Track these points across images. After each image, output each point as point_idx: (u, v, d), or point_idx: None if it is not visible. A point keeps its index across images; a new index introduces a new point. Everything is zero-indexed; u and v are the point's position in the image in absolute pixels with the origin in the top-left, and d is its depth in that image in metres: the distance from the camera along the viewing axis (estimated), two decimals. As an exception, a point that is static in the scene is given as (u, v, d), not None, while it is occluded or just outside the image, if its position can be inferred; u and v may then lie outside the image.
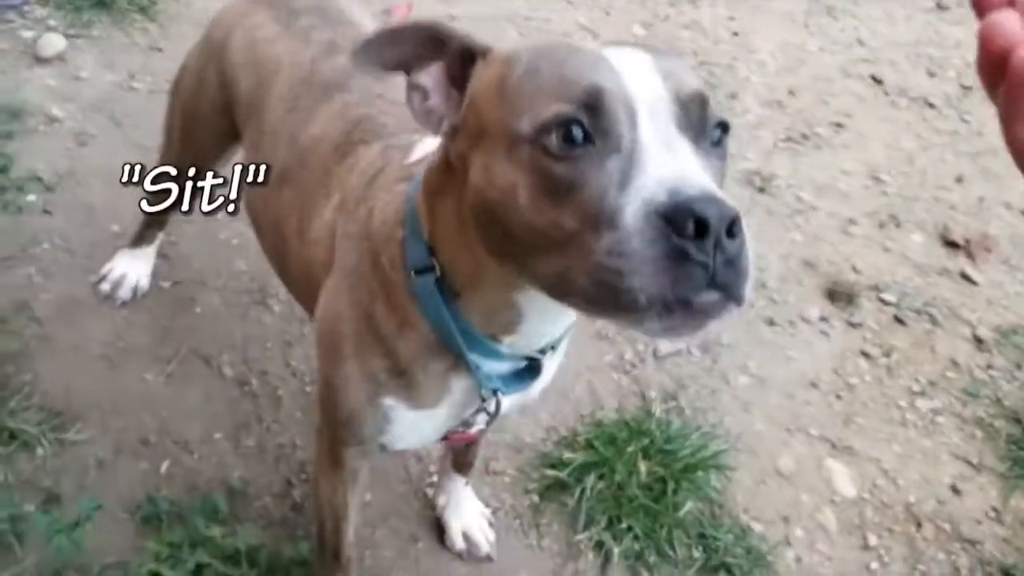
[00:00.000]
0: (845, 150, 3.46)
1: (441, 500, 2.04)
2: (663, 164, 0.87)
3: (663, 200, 0.83)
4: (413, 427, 1.35)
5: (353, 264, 1.35)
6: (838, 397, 2.57)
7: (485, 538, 2.02)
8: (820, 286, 2.87)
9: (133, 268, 2.35)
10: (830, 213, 3.15)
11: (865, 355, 2.69)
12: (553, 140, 0.90)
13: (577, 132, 0.90)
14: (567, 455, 2.19)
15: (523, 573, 2.01)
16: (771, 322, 2.72)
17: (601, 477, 2.15)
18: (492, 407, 1.29)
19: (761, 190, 3.16)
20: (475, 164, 1.01)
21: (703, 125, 0.94)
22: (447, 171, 1.10)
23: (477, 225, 1.03)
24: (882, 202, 3.26)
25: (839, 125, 3.57)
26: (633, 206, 0.85)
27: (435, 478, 2.09)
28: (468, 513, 2.04)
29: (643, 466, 2.16)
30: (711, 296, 0.84)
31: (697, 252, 0.82)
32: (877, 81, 3.86)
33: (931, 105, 3.81)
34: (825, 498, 2.32)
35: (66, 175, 2.60)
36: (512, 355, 1.24)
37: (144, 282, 2.36)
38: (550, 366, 1.36)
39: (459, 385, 1.28)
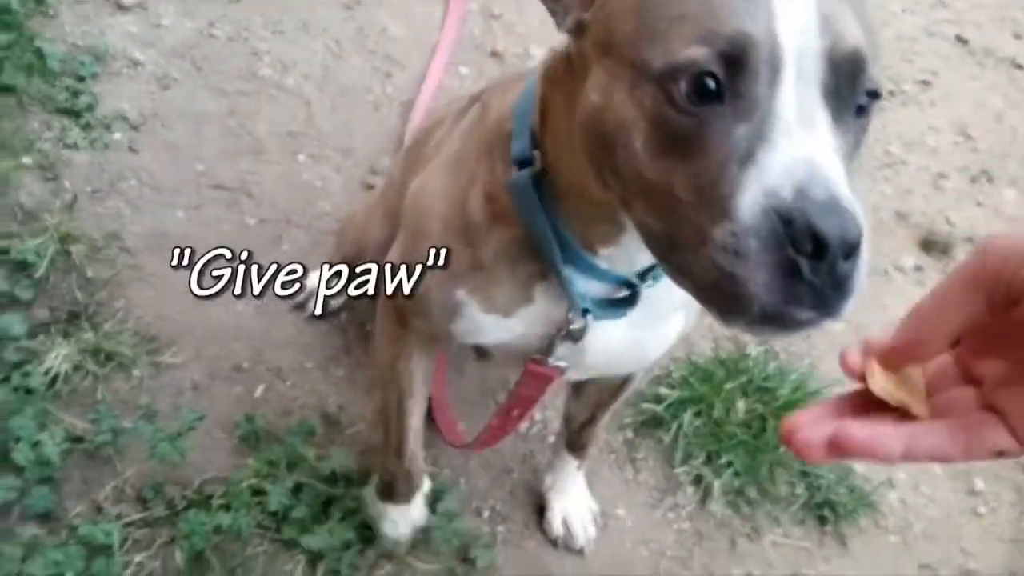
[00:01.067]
0: (932, 107, 3.36)
1: (548, 480, 1.95)
2: (795, 146, 0.77)
3: (786, 199, 0.75)
4: (481, 329, 1.26)
5: (457, 150, 1.30)
6: (936, 344, 2.48)
7: (584, 531, 1.91)
8: (913, 237, 2.79)
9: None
10: (920, 168, 3.06)
11: (962, 304, 2.60)
12: (682, 87, 0.80)
13: (710, 85, 0.79)
14: (663, 391, 2.13)
15: (620, 506, 1.96)
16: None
17: (698, 414, 2.09)
18: (579, 327, 1.18)
19: (847, 143, 3.08)
20: (595, 77, 0.92)
21: (853, 91, 0.82)
22: (568, 66, 1.02)
23: (586, 145, 0.95)
24: (972, 158, 3.16)
25: (925, 83, 3.47)
26: (752, 193, 0.77)
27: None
28: (574, 500, 1.93)
29: (741, 403, 2.10)
30: (809, 314, 0.78)
31: (809, 272, 0.75)
32: (962, 41, 3.74)
33: (1018, 66, 3.68)
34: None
35: (150, 116, 2.59)
36: (608, 273, 1.14)
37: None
38: (667, 317, 1.27)
39: (543, 298, 1.19)
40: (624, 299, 1.18)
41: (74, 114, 2.50)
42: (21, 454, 1.72)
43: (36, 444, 1.74)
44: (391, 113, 2.82)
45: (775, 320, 0.79)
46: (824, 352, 2.37)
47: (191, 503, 1.74)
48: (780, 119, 0.78)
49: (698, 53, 0.79)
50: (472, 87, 2.96)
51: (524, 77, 1.21)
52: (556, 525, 1.91)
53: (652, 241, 0.90)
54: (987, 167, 3.11)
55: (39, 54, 2.58)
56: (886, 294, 2.59)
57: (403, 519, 1.75)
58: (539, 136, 1.10)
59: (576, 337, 1.19)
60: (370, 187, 2.56)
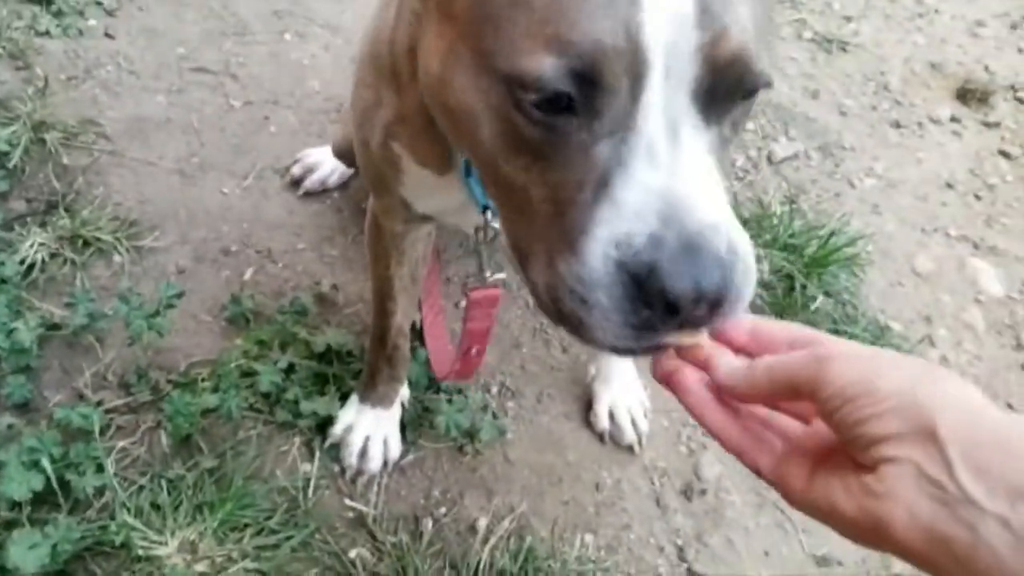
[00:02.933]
0: (967, -46, 3.12)
1: (592, 369, 1.79)
2: (655, 172, 0.67)
3: (638, 250, 0.66)
4: (423, 185, 1.17)
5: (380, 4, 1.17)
6: (977, 197, 2.30)
7: (633, 424, 1.73)
8: (949, 87, 2.59)
9: (331, 160, 2.07)
10: (955, 15, 2.84)
11: (1004, 154, 2.42)
12: (529, 97, 0.69)
13: (561, 101, 0.68)
14: (680, 253, 1.98)
15: (643, 377, 1.82)
16: (897, 124, 2.45)
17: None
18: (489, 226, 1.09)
19: (876, -6, 2.86)
20: (434, 40, 0.79)
21: (735, 92, 0.71)
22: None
23: (434, 111, 0.84)
24: (1012, 3, 2.93)
25: (958, -70, 3.22)
26: (603, 240, 0.68)
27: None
28: (619, 390, 1.75)
29: (766, 262, 1.95)
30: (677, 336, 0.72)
31: (661, 325, 0.69)
32: None
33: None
34: (970, 298, 2.08)
35: (126, 1, 2.44)
36: None
37: (335, 179, 2.08)
38: None
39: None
40: None
41: (45, 1, 2.36)
42: (-5, 342, 1.62)
43: (11, 332, 1.63)
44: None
45: (628, 351, 0.74)
46: (853, 209, 2.21)
47: (176, 386, 1.64)
48: (642, 136, 0.67)
49: (546, 67, 0.66)
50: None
51: None
52: (602, 419, 1.74)
53: (507, 235, 0.81)
54: (1029, 12, 2.88)
55: (4, -60, 2.43)
56: (921, 147, 2.41)
57: (377, 436, 1.63)
58: None
59: (494, 236, 1.09)
60: (363, 64, 2.40)
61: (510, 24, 0.69)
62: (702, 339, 0.74)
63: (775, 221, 2.04)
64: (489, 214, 1.07)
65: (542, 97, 0.68)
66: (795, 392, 0.68)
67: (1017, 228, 2.24)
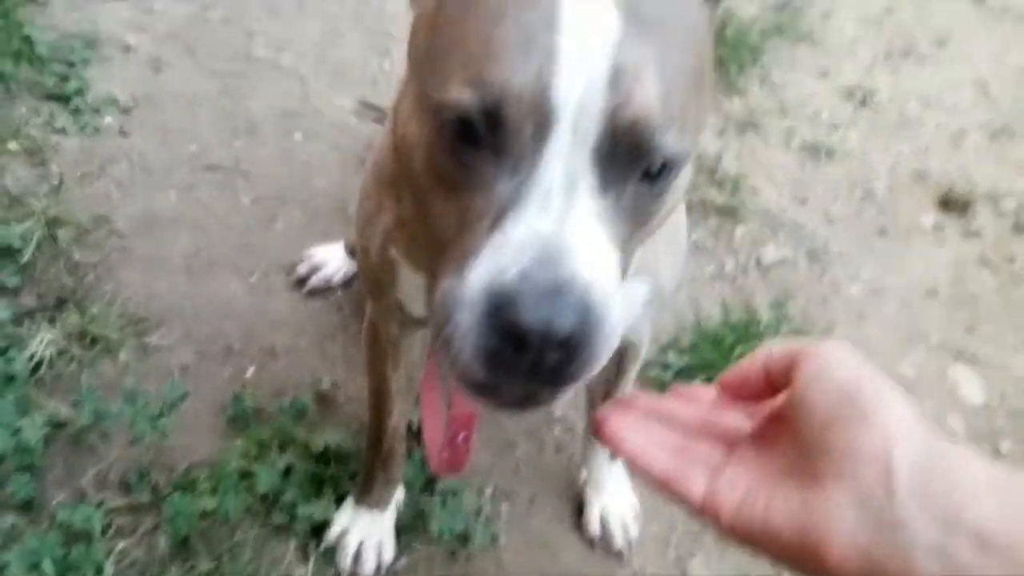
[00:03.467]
0: (949, 65, 3.24)
1: (583, 473, 1.84)
2: (542, 217, 0.72)
3: (509, 281, 0.70)
4: (418, 289, 1.20)
5: (396, 102, 1.25)
6: (959, 306, 2.37)
7: (623, 531, 1.77)
8: (932, 196, 2.67)
9: (336, 259, 2.16)
10: (938, 125, 2.94)
11: (985, 263, 2.49)
12: (447, 127, 0.76)
13: (472, 131, 0.74)
14: (671, 358, 2.04)
15: (632, 481, 1.87)
16: (882, 232, 2.53)
17: (708, 380, 1.99)
18: None
19: (863, 104, 2.97)
20: (405, 86, 0.87)
21: (638, 159, 0.75)
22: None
23: (394, 157, 0.91)
24: (992, 114, 3.04)
25: (941, 42, 3.34)
26: (483, 265, 0.73)
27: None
28: (610, 497, 1.80)
29: (753, 369, 2.00)
30: (514, 395, 0.78)
31: (510, 360, 0.72)
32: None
33: (1038, 21, 3.56)
34: (951, 405, 2.14)
35: (142, 99, 2.54)
36: None
37: (339, 278, 2.16)
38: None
39: None
40: None
41: (63, 99, 2.46)
42: (1, 441, 1.67)
43: (17, 431, 1.68)
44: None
45: (483, 393, 0.78)
46: (839, 314, 2.27)
47: (176, 487, 1.68)
48: (539, 183, 0.73)
49: (463, 98, 0.73)
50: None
51: None
52: (593, 526, 1.78)
53: (425, 266, 0.88)
54: (1008, 122, 2.99)
55: (28, 41, 2.54)
56: (906, 255, 2.48)
57: (372, 540, 1.67)
58: None
59: None
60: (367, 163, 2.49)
61: (447, 63, 0.76)
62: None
63: (761, 327, 2.10)
64: None
65: (455, 125, 0.74)
66: (786, 370, 0.72)
67: (997, 337, 2.31)
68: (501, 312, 0.70)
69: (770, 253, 2.39)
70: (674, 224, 1.31)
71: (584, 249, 0.72)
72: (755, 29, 3.14)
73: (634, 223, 0.80)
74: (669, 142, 0.75)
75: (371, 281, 1.34)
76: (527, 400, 0.78)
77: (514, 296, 0.70)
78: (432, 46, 0.80)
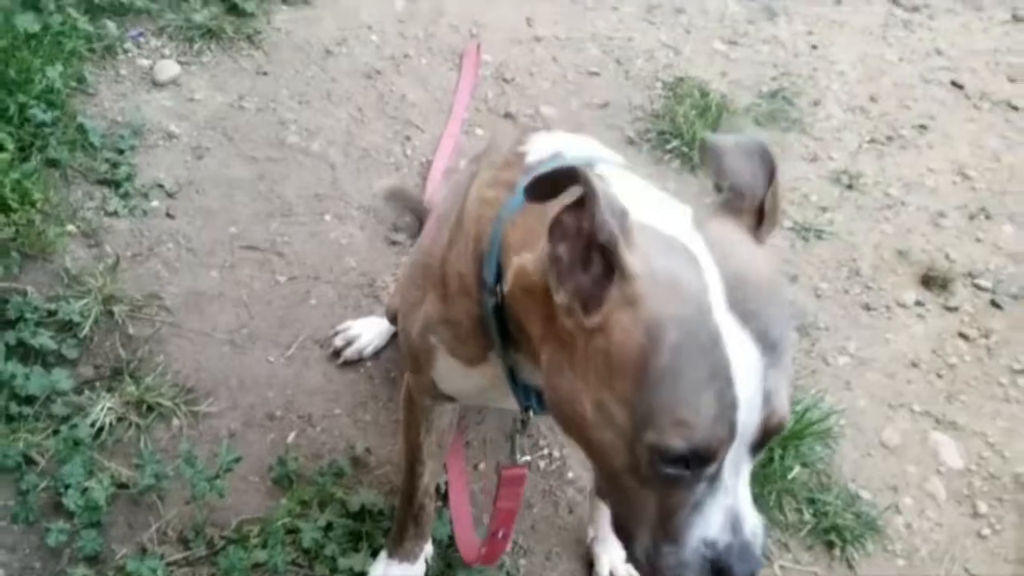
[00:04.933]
0: (930, 150, 3.48)
1: (591, 532, 2.04)
2: (727, 500, 1.04)
3: (718, 549, 1.04)
4: (454, 374, 1.47)
5: (446, 211, 1.49)
6: (939, 376, 2.57)
7: None
8: (914, 273, 2.89)
9: (368, 333, 2.38)
10: (920, 207, 3.17)
11: (964, 337, 2.70)
12: (657, 460, 1.01)
13: (679, 463, 1.01)
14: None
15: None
16: (867, 307, 2.74)
17: (708, 446, 2.18)
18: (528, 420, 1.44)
19: (849, 187, 3.20)
20: (589, 381, 1.06)
21: (770, 441, 1.07)
22: (545, 291, 1.11)
23: (558, 406, 1.15)
24: (971, 196, 3.27)
25: (923, 127, 3.59)
26: (697, 537, 1.05)
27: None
28: (617, 551, 1.98)
29: (749, 435, 2.19)
30: None
31: None
32: (958, 86, 3.87)
33: (1014, 108, 3.80)
34: (932, 469, 2.33)
35: (185, 184, 2.77)
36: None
37: (370, 350, 2.37)
38: None
39: (495, 362, 1.36)
40: None
41: (114, 184, 2.68)
42: (71, 500, 1.86)
43: (85, 491, 1.87)
44: (411, 173, 2.98)
45: None
46: (826, 384, 2.47)
47: (229, 542, 1.86)
48: (723, 476, 1.03)
49: (679, 444, 0.99)
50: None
51: (508, 182, 1.31)
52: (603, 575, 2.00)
53: (611, 510, 1.17)
54: (985, 205, 3.22)
55: (81, 130, 2.77)
56: (889, 328, 2.69)
57: None
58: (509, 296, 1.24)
59: (524, 420, 1.45)
60: (393, 243, 2.71)
61: (656, 416, 0.99)
62: None
63: (758, 397, 2.29)
64: (530, 412, 1.39)
65: (664, 459, 1.01)
66: None
67: (975, 405, 2.50)
68: (718, 565, 1.04)
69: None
70: None
71: (749, 508, 1.06)
72: (748, 117, 3.39)
73: None
74: (787, 424, 1.08)
75: (409, 355, 1.55)
76: None
77: (729, 555, 1.04)
78: (644, 399, 1.00)
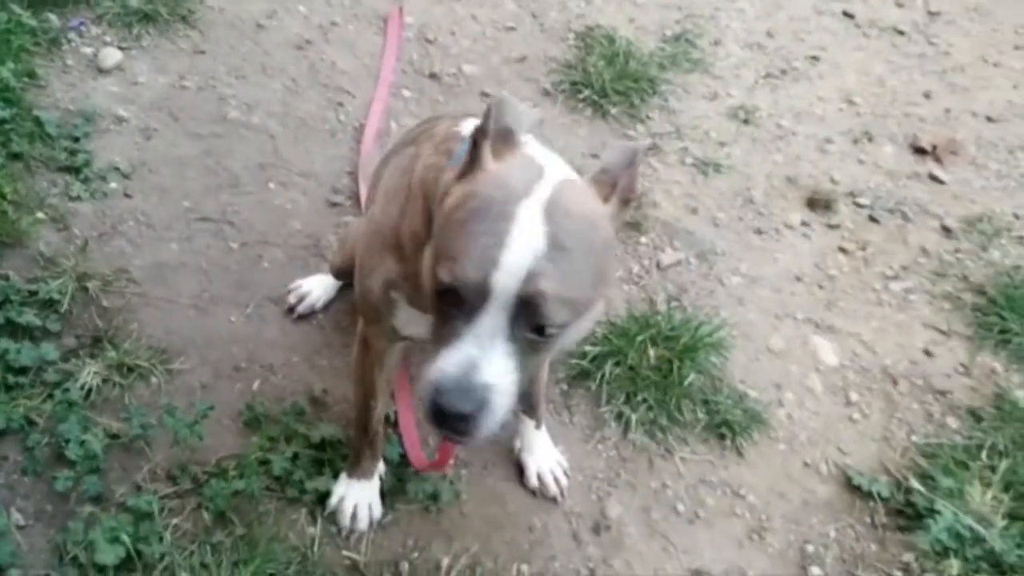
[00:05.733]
0: (821, 80, 3.82)
1: (518, 443, 2.38)
2: (465, 348, 1.31)
3: (445, 378, 1.32)
4: (412, 320, 1.78)
5: (395, 187, 1.79)
6: (820, 287, 2.95)
7: (555, 481, 2.32)
8: (801, 197, 3.25)
9: (317, 289, 2.69)
10: (808, 135, 3.52)
11: (843, 251, 3.07)
12: (439, 288, 1.33)
13: (448, 295, 1.32)
14: (588, 348, 2.59)
15: (559, 443, 2.41)
16: (759, 231, 3.10)
17: (617, 364, 2.55)
18: None
19: (745, 121, 3.53)
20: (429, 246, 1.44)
21: (533, 320, 1.31)
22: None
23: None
24: (855, 122, 3.62)
25: (815, 59, 3.92)
26: (437, 365, 1.33)
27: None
28: (542, 456, 2.34)
29: (652, 351, 2.56)
30: (450, 438, 1.45)
31: (442, 417, 1.35)
32: (849, 16, 4.20)
33: (900, 32, 4.15)
34: (811, 367, 2.71)
35: (139, 164, 3.03)
36: None
37: (320, 304, 2.68)
38: None
39: None
40: None
41: (74, 171, 2.94)
42: (72, 451, 2.17)
43: (83, 443, 2.19)
44: (346, 138, 3.27)
45: (438, 430, 1.41)
46: (721, 302, 2.84)
47: (211, 475, 2.20)
48: (475, 326, 1.31)
49: (447, 278, 1.31)
50: (415, 107, 3.42)
51: (447, 150, 1.65)
52: (532, 480, 2.34)
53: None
54: (868, 128, 3.58)
55: (38, 122, 3.02)
56: (778, 249, 3.06)
57: (363, 503, 2.19)
58: None
59: None
60: (333, 205, 3.00)
61: (442, 255, 1.34)
62: None
63: (659, 318, 2.65)
64: None
65: (440, 288, 1.32)
66: None
67: (851, 310, 2.88)
68: (433, 397, 1.33)
69: (668, 256, 2.95)
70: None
71: (491, 368, 1.31)
72: (654, 62, 3.70)
73: (536, 352, 1.38)
74: (555, 319, 1.31)
75: (370, 311, 1.87)
76: (457, 441, 1.46)
77: (443, 390, 1.32)
78: (440, 237, 1.38)
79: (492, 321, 1.30)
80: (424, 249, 1.49)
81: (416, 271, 1.62)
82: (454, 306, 1.32)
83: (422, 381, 1.36)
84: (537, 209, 1.30)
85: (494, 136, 1.39)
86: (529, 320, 1.31)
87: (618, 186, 1.43)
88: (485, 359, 1.31)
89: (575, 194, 1.37)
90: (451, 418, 1.33)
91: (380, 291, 1.77)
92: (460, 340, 1.32)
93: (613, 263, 1.45)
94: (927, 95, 3.81)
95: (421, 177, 1.65)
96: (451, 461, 2.27)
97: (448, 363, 1.33)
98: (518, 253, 1.27)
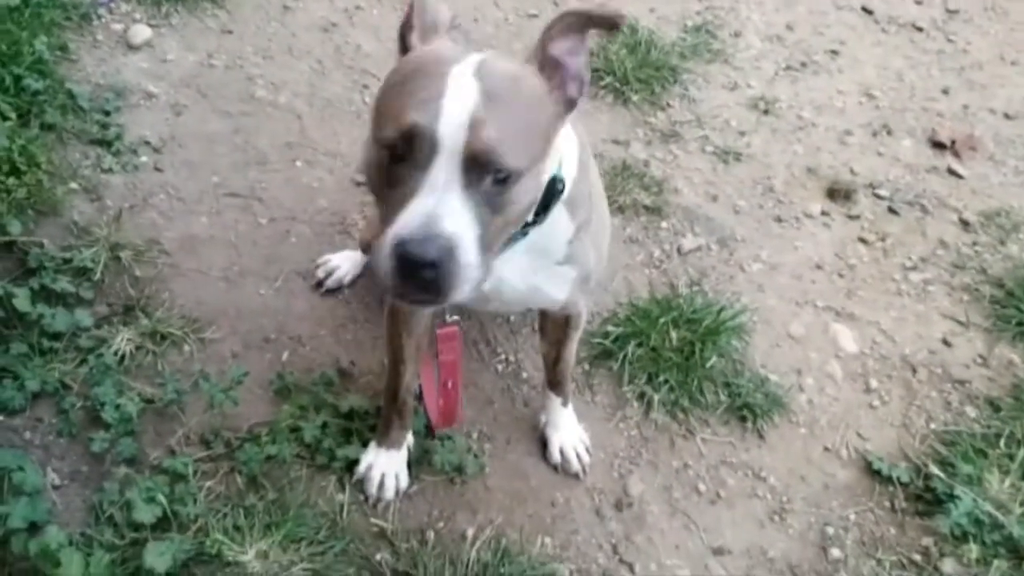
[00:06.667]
0: (840, 74, 3.85)
1: (543, 418, 2.42)
2: (428, 198, 1.32)
3: (406, 234, 1.31)
4: None
5: None
6: (840, 276, 2.99)
7: (577, 458, 2.36)
8: (821, 187, 3.29)
9: (345, 264, 2.73)
10: (828, 127, 3.56)
11: (863, 241, 3.11)
12: (385, 151, 1.36)
13: (397, 151, 1.35)
14: (610, 328, 2.63)
15: (582, 422, 2.45)
16: (779, 219, 3.14)
17: (639, 345, 2.59)
18: None
19: (765, 112, 3.57)
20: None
21: (485, 170, 1.34)
22: None
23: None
24: (875, 115, 3.65)
25: (834, 52, 3.95)
26: (396, 225, 1.32)
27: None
28: (566, 433, 2.38)
29: (674, 333, 2.60)
30: (419, 296, 1.39)
31: (408, 275, 1.33)
32: (868, 12, 4.23)
33: (919, 29, 4.17)
34: (831, 354, 2.75)
35: (168, 139, 3.07)
36: None
37: (348, 279, 2.72)
38: (554, 269, 1.82)
39: None
40: None
41: (106, 143, 2.98)
42: (108, 414, 2.22)
43: (118, 406, 2.23)
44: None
45: (401, 297, 1.42)
46: (741, 288, 2.87)
47: (244, 441, 2.24)
48: (428, 180, 1.33)
49: (392, 134, 1.35)
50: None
51: None
52: (555, 455, 2.37)
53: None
54: (887, 121, 3.61)
55: (70, 95, 3.06)
56: (798, 237, 3.09)
57: (391, 473, 2.23)
58: None
59: None
60: (359, 184, 3.04)
61: (384, 119, 1.38)
62: None
63: (681, 301, 2.69)
64: None
65: (389, 147, 1.35)
66: None
67: (870, 299, 2.92)
68: (398, 250, 1.31)
69: (688, 242, 2.99)
70: (600, 225, 1.90)
71: (451, 218, 1.32)
72: (675, 51, 3.73)
73: (492, 210, 1.38)
74: (504, 162, 1.35)
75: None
76: (426, 302, 1.44)
77: (406, 240, 1.30)
78: (378, 108, 1.43)
79: (443, 174, 1.33)
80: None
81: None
82: (402, 168, 1.35)
83: (381, 243, 1.36)
84: (468, 70, 1.37)
85: (420, 28, 1.49)
86: (479, 169, 1.34)
87: (546, 46, 1.47)
88: (444, 208, 1.32)
89: (501, 60, 1.44)
90: (417, 270, 1.32)
91: None
92: (415, 196, 1.33)
93: (550, 121, 1.49)
94: (945, 91, 3.84)
95: None
96: (460, 410, 2.16)
97: (408, 216, 1.32)
98: (458, 103, 1.32)
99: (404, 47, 1.51)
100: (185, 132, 3.12)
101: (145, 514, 2.00)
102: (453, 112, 1.31)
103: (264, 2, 3.71)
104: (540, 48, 1.46)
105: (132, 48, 3.39)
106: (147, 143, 3.04)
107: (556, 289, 1.86)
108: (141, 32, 3.44)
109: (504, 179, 1.37)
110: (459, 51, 1.44)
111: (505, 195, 1.39)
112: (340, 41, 3.60)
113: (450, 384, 1.98)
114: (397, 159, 1.35)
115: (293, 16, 3.68)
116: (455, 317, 1.87)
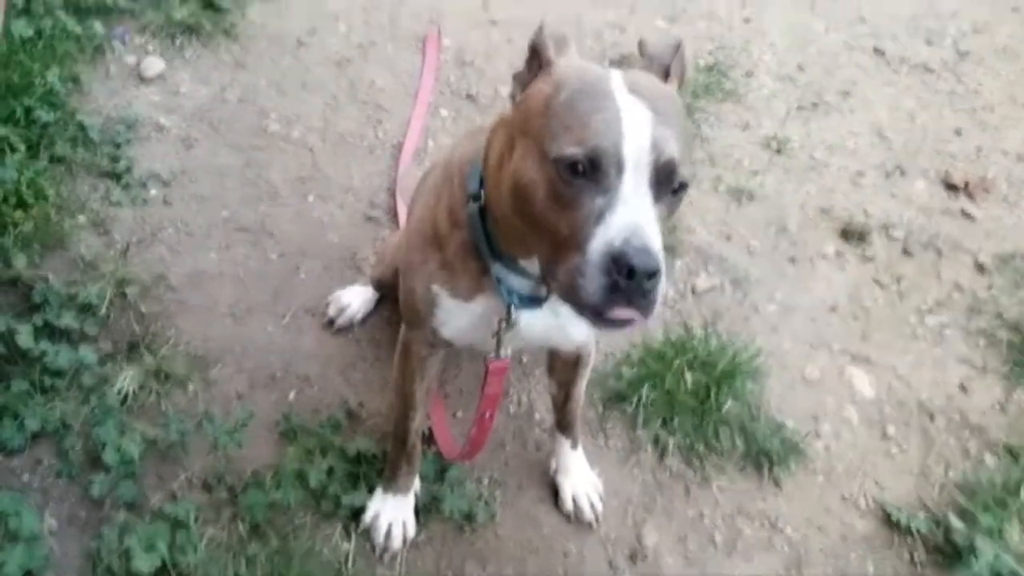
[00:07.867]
0: (852, 114, 3.83)
1: (553, 464, 2.37)
2: (627, 213, 1.29)
3: (617, 245, 1.28)
4: (452, 316, 1.79)
5: (433, 183, 1.85)
6: (855, 318, 2.94)
7: (590, 507, 2.29)
8: (835, 228, 3.25)
9: (356, 301, 2.68)
10: (841, 168, 3.52)
11: (878, 283, 3.06)
12: (565, 168, 1.33)
13: (579, 169, 1.32)
14: (624, 371, 2.58)
15: (595, 466, 2.40)
16: (793, 260, 3.10)
17: (654, 387, 2.54)
18: (515, 318, 1.71)
19: (778, 152, 3.54)
20: (518, 149, 1.45)
21: (669, 183, 1.35)
22: (508, 134, 1.52)
23: (509, 193, 1.47)
24: (887, 156, 3.62)
25: (846, 93, 3.93)
26: (599, 240, 1.29)
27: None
28: (578, 479, 2.32)
29: (688, 376, 2.55)
30: (626, 313, 1.32)
31: (624, 286, 1.28)
32: (879, 52, 4.21)
33: (930, 70, 4.15)
34: (847, 399, 2.70)
35: (179, 173, 3.05)
36: (527, 271, 1.63)
37: (359, 317, 2.67)
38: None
39: (488, 287, 1.71)
40: (541, 298, 1.69)
41: (115, 176, 2.96)
42: (109, 455, 2.17)
43: (119, 448, 2.18)
44: (384, 155, 3.28)
45: (602, 316, 1.33)
46: (756, 329, 2.83)
47: (248, 485, 2.19)
48: (621, 197, 1.32)
49: (575, 151, 1.33)
50: (451, 126, 3.44)
51: (484, 131, 1.69)
52: (567, 503, 2.30)
53: (540, 257, 1.46)
54: (900, 163, 3.57)
55: (81, 127, 3.05)
56: (812, 278, 3.05)
57: (398, 521, 2.18)
58: (486, 180, 1.61)
59: (512, 325, 1.72)
60: (371, 219, 3.01)
61: (559, 135, 1.35)
62: None
63: (696, 343, 2.64)
64: (512, 307, 1.69)
65: (572, 166, 1.32)
66: None
67: (886, 342, 2.87)
68: (618, 261, 1.27)
69: (702, 282, 2.95)
70: None
71: (649, 227, 1.30)
72: (687, 90, 3.71)
73: (666, 218, 1.40)
74: (683, 174, 1.37)
75: (412, 311, 1.87)
76: (626, 322, 1.33)
77: (626, 251, 1.27)
78: (547, 123, 1.38)
79: (636, 189, 1.32)
80: (503, 165, 1.49)
81: (452, 253, 1.70)
82: (583, 183, 1.33)
83: (576, 261, 1.32)
84: (624, 87, 1.38)
85: (554, 41, 1.48)
86: (664, 184, 1.35)
87: (671, 70, 1.53)
88: (647, 219, 1.31)
89: (642, 75, 1.47)
90: (638, 280, 1.27)
91: (423, 288, 1.78)
92: (612, 211, 1.31)
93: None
94: (958, 132, 3.81)
95: (458, 159, 1.73)
96: (481, 450, 2.11)
97: (617, 230, 1.29)
98: (637, 123, 1.33)
99: (534, 62, 1.50)
100: (196, 166, 3.10)
101: (144, 563, 1.95)
102: (637, 133, 1.32)
103: (278, 37, 3.70)
104: (661, 65, 1.53)
105: (144, 81, 3.38)
106: (157, 176, 3.01)
107: (577, 329, 1.82)
108: (154, 65, 3.43)
109: (677, 190, 1.39)
110: (595, 65, 1.48)
111: (677, 206, 1.44)
112: (354, 76, 3.59)
113: (488, 415, 1.93)
114: (577, 175, 1.33)
115: (307, 51, 3.67)
116: (507, 352, 1.81)
